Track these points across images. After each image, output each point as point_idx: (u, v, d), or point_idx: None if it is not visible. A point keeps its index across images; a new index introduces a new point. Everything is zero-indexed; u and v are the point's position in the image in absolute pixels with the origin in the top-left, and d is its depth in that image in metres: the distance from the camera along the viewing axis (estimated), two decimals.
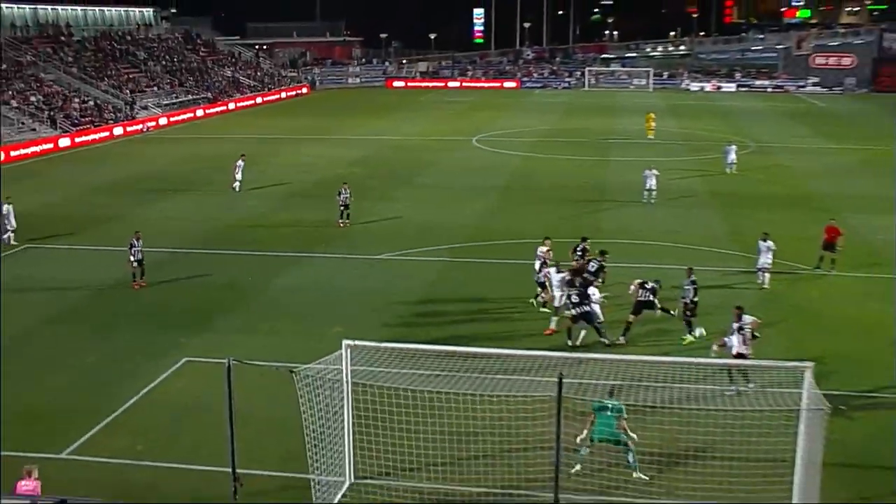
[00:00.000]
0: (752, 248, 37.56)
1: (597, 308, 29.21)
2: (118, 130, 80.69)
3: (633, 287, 29.78)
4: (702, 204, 50.93)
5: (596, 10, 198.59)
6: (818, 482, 18.51)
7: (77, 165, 65.76)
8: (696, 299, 29.75)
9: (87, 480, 20.75)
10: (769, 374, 23.41)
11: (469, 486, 20.21)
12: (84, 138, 75.61)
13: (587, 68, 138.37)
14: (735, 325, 25.19)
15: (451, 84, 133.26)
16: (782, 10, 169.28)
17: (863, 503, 20.24)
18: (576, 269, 31.36)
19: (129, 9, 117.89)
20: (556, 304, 30.48)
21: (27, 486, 17.79)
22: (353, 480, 20.45)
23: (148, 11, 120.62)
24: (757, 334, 25.41)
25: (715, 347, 25.87)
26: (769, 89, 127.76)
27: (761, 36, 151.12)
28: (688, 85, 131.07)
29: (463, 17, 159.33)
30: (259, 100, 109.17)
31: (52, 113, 78.08)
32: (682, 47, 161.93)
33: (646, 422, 21.12)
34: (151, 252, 38.97)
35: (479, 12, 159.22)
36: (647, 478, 20.47)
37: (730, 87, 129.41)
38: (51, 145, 71.43)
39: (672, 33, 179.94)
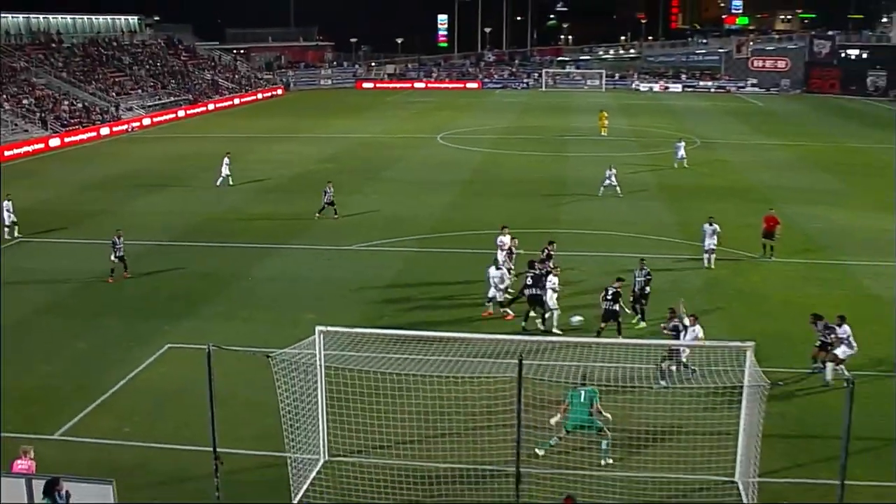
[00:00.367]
0: (698, 236, 37.76)
1: (552, 295, 29.03)
2: (105, 131, 79.93)
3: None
4: (652, 196, 51.09)
5: (552, 16, 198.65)
6: (758, 453, 18.62)
7: (67, 164, 65.07)
8: (647, 290, 29.84)
9: (78, 460, 20.54)
10: (714, 353, 23.44)
11: (437, 463, 20.16)
12: (73, 138, 74.84)
13: (544, 70, 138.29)
14: None
15: (417, 85, 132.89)
16: (723, 16, 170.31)
17: (798, 470, 20.36)
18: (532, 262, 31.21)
19: (116, 17, 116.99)
20: (491, 294, 30.47)
21: (22, 465, 17.69)
22: (327, 458, 20.36)
23: (133, 19, 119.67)
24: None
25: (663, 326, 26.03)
26: (712, 90, 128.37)
27: (704, 40, 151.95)
28: (637, 86, 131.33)
29: (428, 23, 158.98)
30: (237, 101, 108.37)
31: (43, 115, 77.31)
32: (632, 51, 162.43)
33: (602, 401, 21.05)
34: (138, 245, 38.79)
35: (443, 18, 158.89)
36: (612, 461, 20.50)
37: (676, 87, 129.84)
38: (42, 145, 70.72)
39: (623, 38, 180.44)
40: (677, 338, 24.70)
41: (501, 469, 19.42)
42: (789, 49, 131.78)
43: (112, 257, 34.60)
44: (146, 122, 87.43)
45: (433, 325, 28.88)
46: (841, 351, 24.88)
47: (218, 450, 17.88)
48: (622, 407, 21.67)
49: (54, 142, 72.52)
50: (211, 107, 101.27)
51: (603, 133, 76.43)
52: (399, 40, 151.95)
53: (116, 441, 21.70)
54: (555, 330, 28.63)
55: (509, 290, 31.49)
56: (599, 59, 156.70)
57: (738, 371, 19.87)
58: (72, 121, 79.15)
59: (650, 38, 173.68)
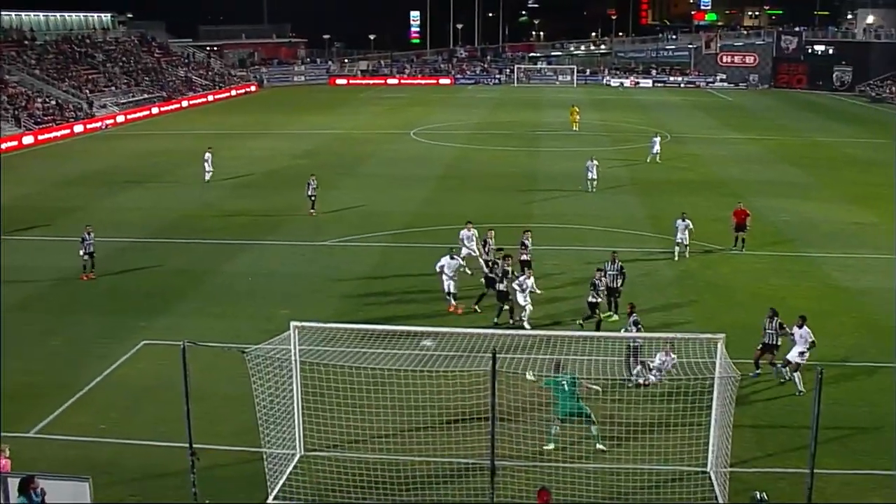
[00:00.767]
0: (669, 230, 37.92)
1: (522, 296, 28.68)
2: (79, 128, 79.19)
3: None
4: (624, 190, 51.19)
5: (524, 12, 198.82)
6: (729, 443, 18.72)
7: (41, 161, 64.44)
8: (621, 285, 29.94)
9: (53, 458, 20.39)
10: (685, 345, 23.50)
11: (411, 456, 20.13)
12: (46, 136, 74.16)
13: (516, 66, 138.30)
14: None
15: (390, 81, 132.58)
16: (692, 13, 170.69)
17: (768, 460, 20.49)
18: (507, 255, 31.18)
19: (89, 14, 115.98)
20: (446, 288, 30.33)
21: None
22: (303, 453, 20.28)
23: (106, 16, 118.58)
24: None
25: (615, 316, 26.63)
26: (682, 85, 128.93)
27: (674, 36, 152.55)
28: (608, 81, 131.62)
29: (400, 19, 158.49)
30: (210, 98, 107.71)
31: (16, 112, 76.55)
32: (602, 46, 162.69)
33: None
34: (113, 241, 38.55)
35: (415, 14, 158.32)
36: (605, 448, 20.56)
37: (646, 82, 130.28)
38: (15, 143, 69.95)
39: (593, 34, 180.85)
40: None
41: (476, 462, 19.42)
42: (757, 45, 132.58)
43: (81, 253, 34.28)
44: (120, 119, 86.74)
45: (408, 320, 28.88)
46: (798, 354, 24.03)
47: (194, 445, 17.78)
48: (595, 400, 21.72)
49: (28, 139, 71.78)
50: (185, 104, 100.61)
51: (575, 128, 76.50)
52: (372, 37, 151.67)
53: (92, 438, 21.53)
54: (526, 325, 28.57)
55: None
56: (570, 54, 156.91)
57: (709, 363, 19.93)
58: (45, 118, 78.43)
59: (620, 34, 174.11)
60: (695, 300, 32.04)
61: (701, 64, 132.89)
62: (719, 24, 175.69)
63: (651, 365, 23.67)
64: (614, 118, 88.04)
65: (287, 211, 45.72)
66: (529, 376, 20.72)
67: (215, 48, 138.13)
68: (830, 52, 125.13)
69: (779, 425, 22.25)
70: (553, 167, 59.02)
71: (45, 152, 69.00)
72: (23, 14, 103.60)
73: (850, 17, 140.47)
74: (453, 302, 30.37)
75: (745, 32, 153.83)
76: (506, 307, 29.08)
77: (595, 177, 50.17)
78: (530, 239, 33.31)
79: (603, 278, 29.09)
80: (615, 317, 29.32)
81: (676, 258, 36.69)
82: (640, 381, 23.38)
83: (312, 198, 44.83)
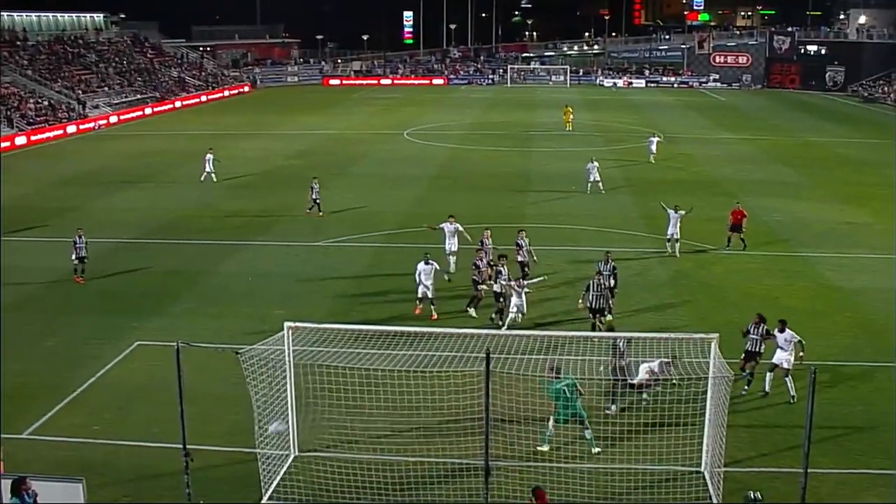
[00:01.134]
0: (662, 229, 37.92)
1: (517, 299, 28.21)
2: (71, 128, 79.05)
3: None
4: (617, 190, 51.15)
5: (517, 12, 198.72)
6: (723, 441, 18.71)
7: (34, 162, 64.30)
8: (614, 286, 29.86)
9: (46, 459, 20.31)
10: (681, 345, 23.47)
11: (406, 456, 20.10)
12: (39, 136, 74.06)
13: (509, 66, 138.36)
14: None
15: (384, 81, 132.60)
16: (685, 13, 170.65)
17: (762, 460, 20.49)
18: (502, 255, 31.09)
19: (81, 14, 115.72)
20: (420, 293, 29.97)
21: None
22: (297, 453, 20.24)
23: (99, 17, 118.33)
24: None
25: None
26: (675, 85, 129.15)
27: (667, 36, 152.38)
28: (601, 81, 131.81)
29: (393, 20, 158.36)
30: (204, 98, 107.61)
31: (8, 113, 76.38)
32: (595, 47, 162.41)
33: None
34: (107, 242, 38.49)
35: (408, 15, 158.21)
36: (600, 450, 20.52)
37: (640, 82, 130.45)
38: (8, 143, 69.76)
39: (587, 34, 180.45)
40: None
41: (471, 463, 19.39)
42: (750, 45, 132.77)
43: (73, 257, 34.16)
44: (113, 119, 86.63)
45: (402, 320, 28.87)
46: (785, 359, 23.35)
47: (188, 446, 17.71)
48: (589, 400, 21.71)
49: (20, 140, 71.66)
50: (178, 104, 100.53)
51: (568, 128, 76.56)
52: (365, 37, 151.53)
53: (86, 439, 21.45)
54: (504, 329, 27.75)
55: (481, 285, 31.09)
56: (564, 55, 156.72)
57: (703, 363, 19.92)
58: (38, 119, 78.30)
59: (614, 34, 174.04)
60: (688, 300, 32.04)
61: (694, 64, 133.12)
62: (712, 24, 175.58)
63: (639, 379, 23.23)
64: (607, 118, 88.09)
65: (281, 211, 45.68)
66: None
67: (208, 48, 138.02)
68: (823, 52, 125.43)
69: (773, 425, 22.24)
70: (546, 167, 59.04)
71: (38, 153, 68.86)
72: (15, 14, 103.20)
73: (842, 17, 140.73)
74: (420, 305, 29.94)
75: (738, 33, 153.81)
76: (502, 308, 29.01)
77: (598, 178, 50.01)
78: (526, 239, 33.26)
79: (595, 282, 28.40)
80: (609, 317, 29.22)
81: (670, 252, 36.82)
82: (612, 410, 22.45)
83: (318, 201, 44.71)
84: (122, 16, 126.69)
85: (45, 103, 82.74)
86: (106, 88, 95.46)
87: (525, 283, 28.76)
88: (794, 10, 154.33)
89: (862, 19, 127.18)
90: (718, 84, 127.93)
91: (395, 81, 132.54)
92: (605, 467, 19.76)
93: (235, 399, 20.76)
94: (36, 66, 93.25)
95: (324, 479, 19.09)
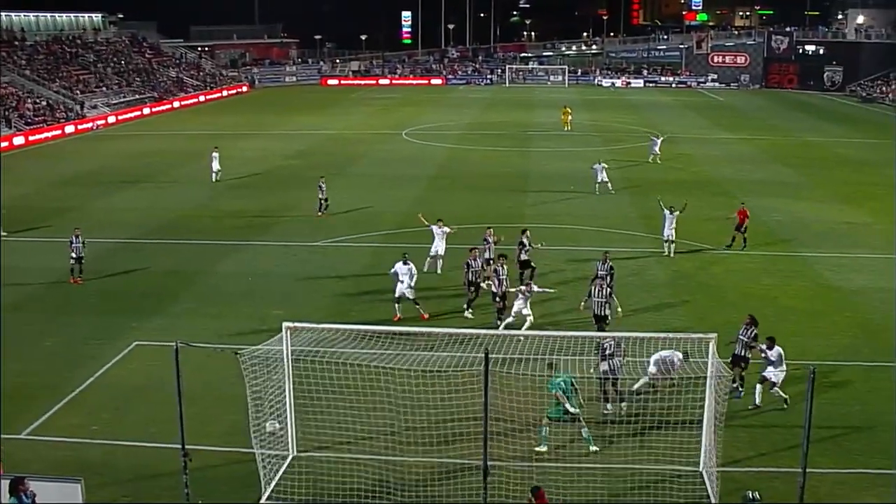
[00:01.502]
0: (661, 229, 37.84)
1: (522, 303, 27.86)
2: (70, 129, 78.97)
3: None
4: (616, 190, 51.06)
5: (515, 12, 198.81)
6: (721, 441, 18.71)
7: (33, 162, 64.24)
8: (612, 284, 29.82)
9: (45, 459, 20.32)
10: (679, 345, 23.46)
11: (405, 456, 20.09)
12: (37, 136, 74.01)
13: (507, 66, 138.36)
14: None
15: (382, 81, 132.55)
16: (683, 13, 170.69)
17: (760, 459, 20.50)
18: (501, 255, 31.07)
19: (79, 14, 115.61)
20: (397, 293, 29.86)
21: None
22: (295, 454, 20.24)
23: (97, 17, 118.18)
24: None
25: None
26: (673, 85, 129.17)
27: (665, 36, 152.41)
28: (600, 81, 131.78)
29: (392, 20, 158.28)
30: (202, 98, 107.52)
31: (6, 113, 76.30)
32: (594, 46, 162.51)
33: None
34: (106, 242, 38.50)
35: (406, 15, 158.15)
36: (598, 449, 20.52)
37: (638, 82, 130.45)
38: (6, 143, 69.70)
39: (585, 34, 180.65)
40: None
41: (470, 462, 19.39)
42: (748, 45, 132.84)
43: (70, 257, 34.13)
44: (111, 119, 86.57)
45: (400, 321, 28.86)
46: (773, 374, 22.89)
47: (187, 446, 17.71)
48: (587, 399, 21.72)
49: (18, 140, 71.60)
50: (176, 104, 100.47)
51: (566, 129, 76.46)
52: (363, 37, 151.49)
53: (84, 439, 21.44)
54: (501, 327, 27.78)
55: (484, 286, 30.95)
56: (562, 54, 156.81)
57: (701, 363, 19.93)
58: (36, 119, 78.23)
59: (612, 34, 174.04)
60: (687, 300, 32.04)
61: (692, 64, 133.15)
62: (710, 24, 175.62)
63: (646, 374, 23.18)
64: (606, 118, 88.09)
65: (280, 211, 45.67)
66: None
67: (206, 48, 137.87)
68: (821, 52, 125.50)
69: (771, 425, 22.23)
70: (545, 167, 59.05)
71: (36, 153, 68.81)
72: (13, 14, 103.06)
73: (840, 17, 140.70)
74: (399, 309, 29.67)
75: (736, 32, 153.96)
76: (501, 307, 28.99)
77: (606, 178, 49.97)
78: (528, 238, 33.23)
79: (597, 288, 27.99)
80: (619, 311, 28.98)
81: (667, 253, 36.82)
82: (609, 409, 22.33)
83: (326, 201, 44.66)
84: (120, 16, 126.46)
85: (44, 103, 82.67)
86: (104, 88, 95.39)
87: (535, 289, 28.46)
88: (793, 10, 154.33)
89: (860, 19, 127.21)
90: (716, 84, 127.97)
91: (394, 81, 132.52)
92: (604, 467, 19.77)
93: (234, 399, 20.74)
94: (34, 66, 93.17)
95: (322, 479, 19.08)
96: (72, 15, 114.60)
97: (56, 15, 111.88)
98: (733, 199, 44.81)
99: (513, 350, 21.96)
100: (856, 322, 29.98)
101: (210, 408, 22.45)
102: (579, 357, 22.03)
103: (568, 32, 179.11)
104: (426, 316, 29.54)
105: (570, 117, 77.96)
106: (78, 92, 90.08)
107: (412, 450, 20.28)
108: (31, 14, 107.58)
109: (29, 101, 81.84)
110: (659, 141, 61.77)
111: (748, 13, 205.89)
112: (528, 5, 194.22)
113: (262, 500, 18.61)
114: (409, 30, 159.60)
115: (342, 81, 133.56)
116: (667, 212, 36.99)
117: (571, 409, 20.32)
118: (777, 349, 22.78)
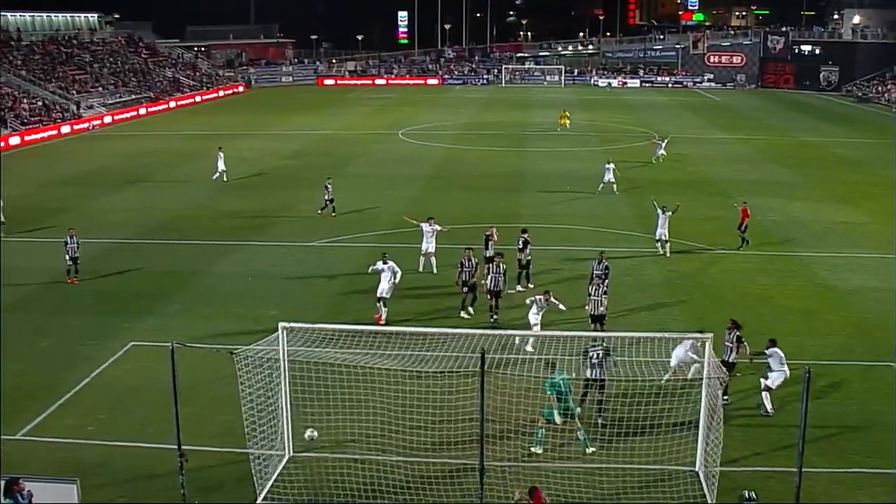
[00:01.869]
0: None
1: (536, 311, 27.05)
2: (66, 129, 78.91)
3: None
4: (612, 189, 51.03)
5: (512, 12, 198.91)
6: (720, 441, 18.72)
7: (29, 162, 64.16)
8: (607, 284, 29.81)
9: (41, 460, 20.32)
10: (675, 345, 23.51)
11: (401, 457, 20.09)
12: (33, 136, 73.92)
13: (504, 66, 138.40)
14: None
15: (378, 81, 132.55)
16: (679, 13, 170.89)
17: (756, 459, 20.52)
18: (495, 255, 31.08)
19: (75, 14, 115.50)
20: (380, 294, 29.48)
21: None
22: (291, 454, 20.24)
23: (93, 17, 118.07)
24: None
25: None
26: (670, 85, 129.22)
27: (661, 36, 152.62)
28: (596, 81, 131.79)
29: (388, 20, 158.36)
30: (198, 98, 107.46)
31: (2, 113, 76.20)
32: (590, 47, 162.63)
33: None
34: (102, 242, 38.43)
35: (403, 15, 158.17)
36: (594, 450, 20.55)
37: (634, 82, 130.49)
38: (2, 144, 69.56)
39: (581, 34, 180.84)
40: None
41: (466, 463, 19.39)
42: (744, 45, 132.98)
43: (66, 257, 34.12)
44: (107, 119, 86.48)
45: (396, 320, 28.81)
46: (771, 380, 22.63)
47: (182, 447, 17.70)
48: (585, 399, 21.72)
49: (14, 140, 71.52)
50: (173, 104, 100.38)
51: (565, 128, 76.24)
52: (360, 37, 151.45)
53: (80, 440, 21.45)
54: (528, 347, 26.20)
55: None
56: (558, 55, 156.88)
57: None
58: (32, 119, 78.14)
59: (608, 34, 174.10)
60: (683, 300, 32.06)
61: (688, 64, 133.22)
62: (706, 24, 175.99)
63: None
64: (602, 118, 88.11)
65: (276, 211, 45.65)
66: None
67: (203, 49, 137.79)
68: (817, 52, 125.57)
69: (767, 424, 22.25)
70: (542, 167, 59.05)
71: (33, 153, 68.73)
72: (9, 14, 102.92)
73: (836, 17, 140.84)
74: (383, 309, 29.36)
75: (733, 32, 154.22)
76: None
77: (612, 179, 49.98)
78: (525, 238, 33.21)
79: (593, 288, 28.12)
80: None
81: (663, 253, 36.86)
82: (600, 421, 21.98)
83: (332, 202, 44.62)
84: (117, 16, 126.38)
85: (40, 103, 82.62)
86: (100, 88, 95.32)
87: (552, 300, 27.39)
88: (789, 9, 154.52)
89: (856, 19, 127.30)
90: (713, 84, 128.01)
91: (390, 81, 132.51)
92: (600, 467, 19.77)
93: (230, 399, 20.71)
94: (30, 66, 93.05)
95: (318, 479, 19.09)
96: (68, 15, 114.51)
97: (52, 15, 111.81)
98: (730, 199, 44.86)
99: (509, 350, 21.98)
100: (851, 321, 30.01)
101: (206, 408, 22.46)
102: (577, 357, 22.07)
103: (564, 32, 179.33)
104: (382, 321, 28.76)
105: (568, 122, 77.55)
106: (74, 92, 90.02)
107: (408, 450, 20.26)
108: (27, 14, 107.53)
109: (25, 101, 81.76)
110: (664, 143, 61.77)
111: (744, 13, 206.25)
112: (524, 5, 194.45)
113: (259, 501, 18.60)
114: (406, 30, 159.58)
115: (338, 81, 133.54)
116: (660, 211, 37.02)
117: (558, 419, 20.30)
118: (777, 351, 22.75)
